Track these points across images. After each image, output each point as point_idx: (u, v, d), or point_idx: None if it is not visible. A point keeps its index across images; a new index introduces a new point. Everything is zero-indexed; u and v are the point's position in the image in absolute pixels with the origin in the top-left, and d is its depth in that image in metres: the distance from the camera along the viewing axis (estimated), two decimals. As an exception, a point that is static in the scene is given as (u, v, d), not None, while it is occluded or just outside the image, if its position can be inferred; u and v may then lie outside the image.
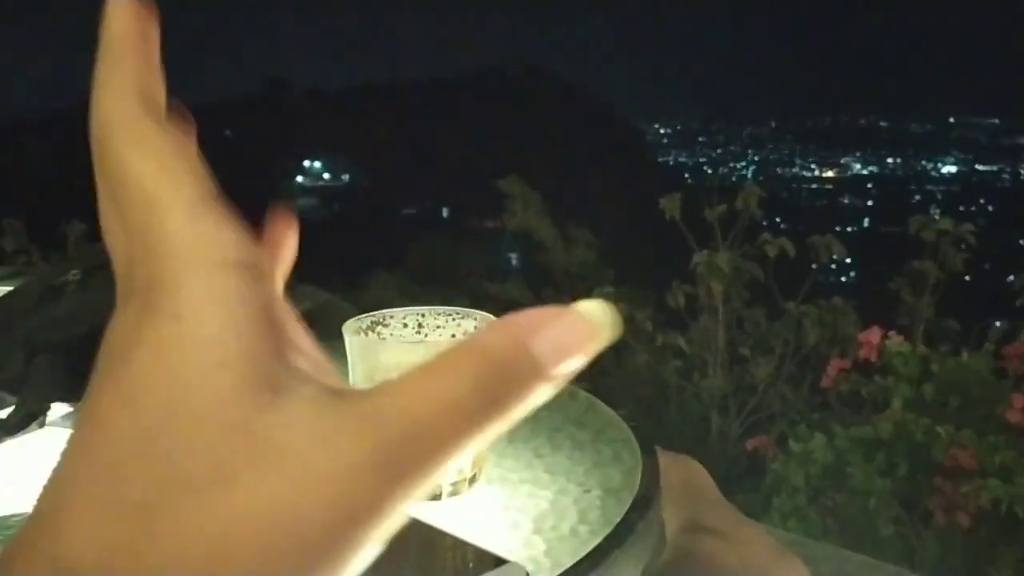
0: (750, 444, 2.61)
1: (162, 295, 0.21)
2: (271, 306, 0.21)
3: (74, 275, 0.80)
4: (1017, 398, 2.07)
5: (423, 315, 0.71)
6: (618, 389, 3.35)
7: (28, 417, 0.78)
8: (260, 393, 0.20)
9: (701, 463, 0.93)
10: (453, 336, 0.69)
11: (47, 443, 0.77)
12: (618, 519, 0.60)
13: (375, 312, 0.71)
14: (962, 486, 1.99)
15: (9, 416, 0.77)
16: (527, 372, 0.21)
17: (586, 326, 0.22)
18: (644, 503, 0.62)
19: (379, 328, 0.69)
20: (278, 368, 0.20)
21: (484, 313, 0.70)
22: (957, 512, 2.04)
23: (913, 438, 2.13)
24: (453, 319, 0.70)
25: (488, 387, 0.20)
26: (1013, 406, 2.07)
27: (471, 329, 0.69)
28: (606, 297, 3.30)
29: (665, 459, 0.82)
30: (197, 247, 0.21)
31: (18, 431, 0.77)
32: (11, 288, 0.87)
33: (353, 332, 0.67)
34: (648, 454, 0.70)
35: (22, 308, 0.79)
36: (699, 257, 2.96)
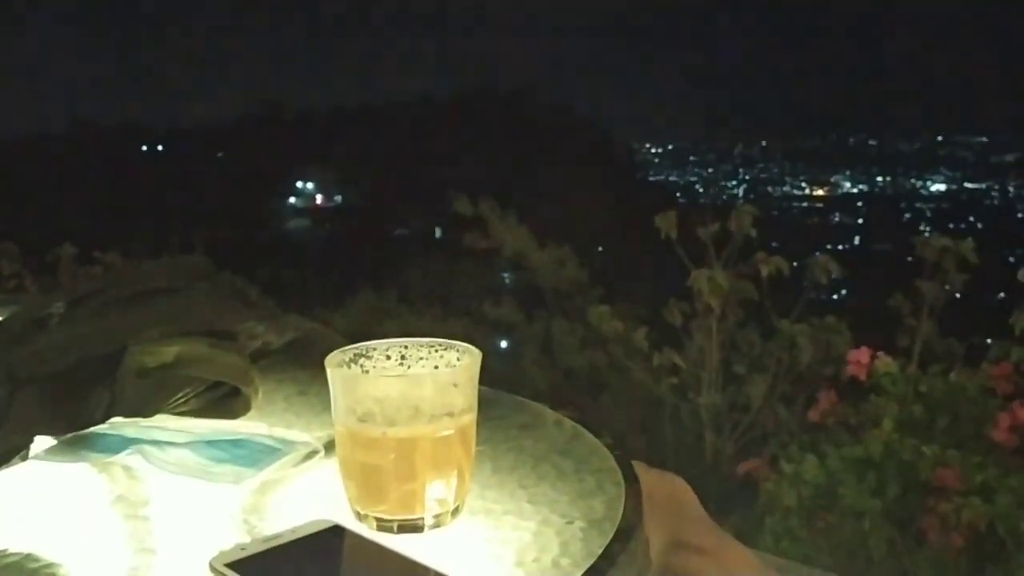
0: (743, 467, 2.61)
1: None
2: None
3: (58, 307, 0.80)
4: (1003, 417, 2.08)
5: (406, 347, 0.71)
6: (613, 406, 3.34)
7: (10, 451, 0.78)
8: None
9: (695, 481, 0.94)
10: (436, 367, 0.69)
11: (29, 477, 0.77)
12: (599, 551, 0.60)
13: (358, 344, 0.71)
14: (944, 506, 1.99)
15: (-8, 450, 0.77)
16: None
17: None
18: (626, 534, 0.62)
19: (362, 360, 0.69)
20: None
21: (466, 345, 0.70)
22: (949, 532, 2.04)
23: (901, 458, 2.14)
24: (436, 350, 0.71)
25: None
26: (999, 425, 2.08)
27: (453, 360, 0.69)
28: (600, 316, 3.30)
29: (650, 476, 0.83)
30: None
31: (1, 464, 0.77)
32: (-3, 318, 0.87)
33: (336, 365, 0.68)
34: (631, 483, 0.70)
35: (5, 341, 0.79)
36: (696, 275, 2.97)
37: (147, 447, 0.78)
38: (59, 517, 0.71)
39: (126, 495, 0.73)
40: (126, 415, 0.82)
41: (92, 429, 0.81)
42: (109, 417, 0.82)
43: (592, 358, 3.42)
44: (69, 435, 0.81)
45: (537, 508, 0.69)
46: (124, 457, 0.78)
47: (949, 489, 2.05)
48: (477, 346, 0.70)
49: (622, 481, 0.71)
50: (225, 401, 0.86)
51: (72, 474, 0.77)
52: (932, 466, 2.09)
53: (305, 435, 0.81)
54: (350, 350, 0.70)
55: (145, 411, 0.82)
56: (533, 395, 0.92)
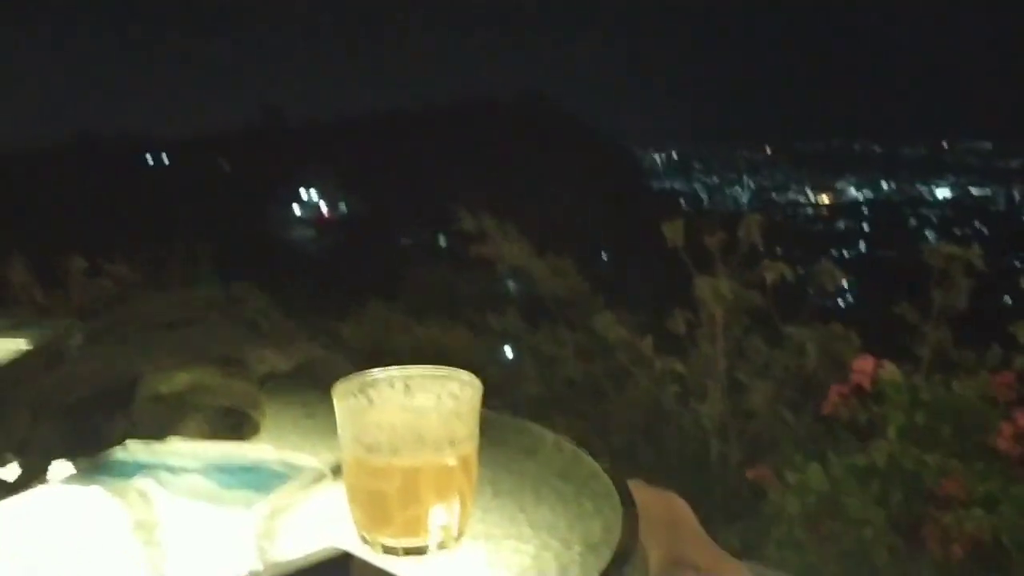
0: (749, 474, 2.62)
1: None
2: None
3: (76, 339, 0.83)
4: (1005, 426, 2.09)
5: (410, 377, 0.74)
6: (617, 414, 3.35)
7: (31, 475, 0.81)
8: None
9: (699, 490, 0.96)
10: (439, 397, 0.72)
11: (47, 501, 0.80)
12: (597, 575, 0.63)
13: (363, 373, 0.73)
14: (946, 517, 2.00)
15: (14, 476, 0.80)
16: None
17: None
18: (622, 558, 0.65)
19: (368, 391, 0.72)
20: None
21: (468, 374, 0.73)
22: (951, 542, 2.05)
23: (905, 467, 2.15)
24: (438, 381, 0.73)
25: None
26: (1001, 434, 2.08)
27: (456, 390, 0.72)
28: (604, 323, 3.31)
29: (648, 494, 0.85)
30: None
31: (20, 489, 0.80)
32: (15, 342, 0.90)
33: (342, 396, 0.70)
34: (627, 507, 0.73)
35: (26, 372, 0.82)
36: (701, 283, 2.98)
37: (160, 472, 0.81)
38: (76, 541, 0.73)
39: (141, 520, 0.76)
40: (140, 439, 0.85)
41: (108, 454, 0.84)
42: (124, 440, 0.84)
43: (596, 366, 3.44)
44: (86, 460, 0.83)
45: (536, 532, 0.71)
46: (138, 482, 0.81)
47: (952, 498, 2.06)
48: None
49: (619, 505, 0.73)
50: (234, 424, 0.89)
51: (88, 499, 0.80)
52: (935, 475, 2.10)
53: (312, 459, 0.84)
54: (355, 380, 0.73)
55: (159, 436, 0.85)
56: (536, 404, 0.94)
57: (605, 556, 0.66)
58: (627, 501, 0.73)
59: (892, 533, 2.21)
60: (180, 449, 0.85)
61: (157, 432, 0.84)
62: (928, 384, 2.35)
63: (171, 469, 0.81)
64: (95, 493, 0.80)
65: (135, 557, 0.70)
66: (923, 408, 2.31)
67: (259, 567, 0.66)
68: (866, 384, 2.42)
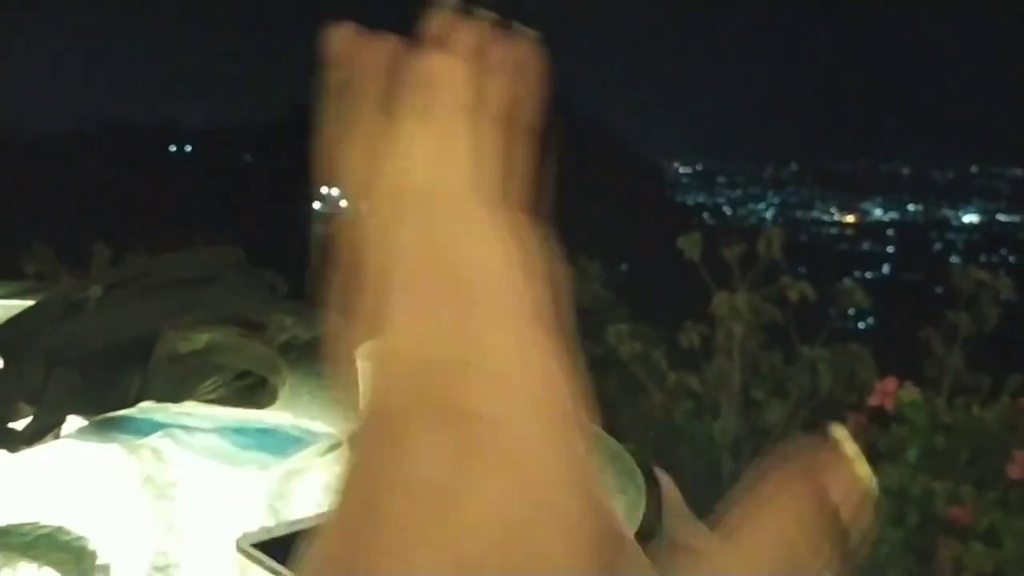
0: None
1: (492, 435, 0.20)
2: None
3: (95, 291, 0.82)
4: (1020, 455, 2.05)
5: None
6: (629, 428, 3.33)
7: (44, 429, 0.80)
8: None
9: (711, 507, 0.94)
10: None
11: (60, 455, 0.79)
12: (618, 552, 0.61)
13: (387, 338, 0.72)
14: (955, 545, 1.97)
15: (26, 427, 0.79)
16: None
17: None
18: (646, 536, 0.63)
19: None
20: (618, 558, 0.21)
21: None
22: (962, 572, 2.01)
23: (920, 489, 2.12)
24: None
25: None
26: (1015, 461, 2.05)
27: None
28: (620, 334, 3.29)
29: None
30: (530, 383, 0.21)
31: (33, 442, 0.79)
32: (34, 302, 0.89)
33: (364, 358, 0.69)
34: (652, 486, 0.71)
35: (43, 322, 0.81)
36: (720, 298, 2.95)
37: (176, 431, 0.80)
38: (89, 495, 0.72)
39: (154, 477, 0.75)
40: (156, 399, 0.84)
41: (122, 412, 0.83)
42: (140, 400, 0.83)
43: (609, 378, 3.42)
44: (100, 416, 0.82)
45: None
46: (153, 440, 0.80)
47: (958, 526, 2.03)
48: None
49: (643, 484, 0.71)
50: (252, 391, 0.88)
51: (102, 454, 0.79)
52: (947, 500, 2.07)
53: (329, 428, 0.82)
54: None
55: (175, 396, 0.84)
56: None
57: (628, 533, 0.64)
58: (651, 480, 0.71)
59: (907, 555, 2.18)
60: (195, 411, 0.84)
61: (173, 392, 0.83)
62: (949, 408, 2.32)
63: (187, 428, 0.80)
64: (109, 449, 0.79)
65: (147, 512, 0.69)
66: (943, 431, 2.28)
67: (271, 524, 0.65)
68: (888, 405, 2.39)
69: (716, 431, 3.01)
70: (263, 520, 0.67)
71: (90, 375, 0.81)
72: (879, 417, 2.44)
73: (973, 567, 1.95)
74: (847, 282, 3.08)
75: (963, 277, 2.62)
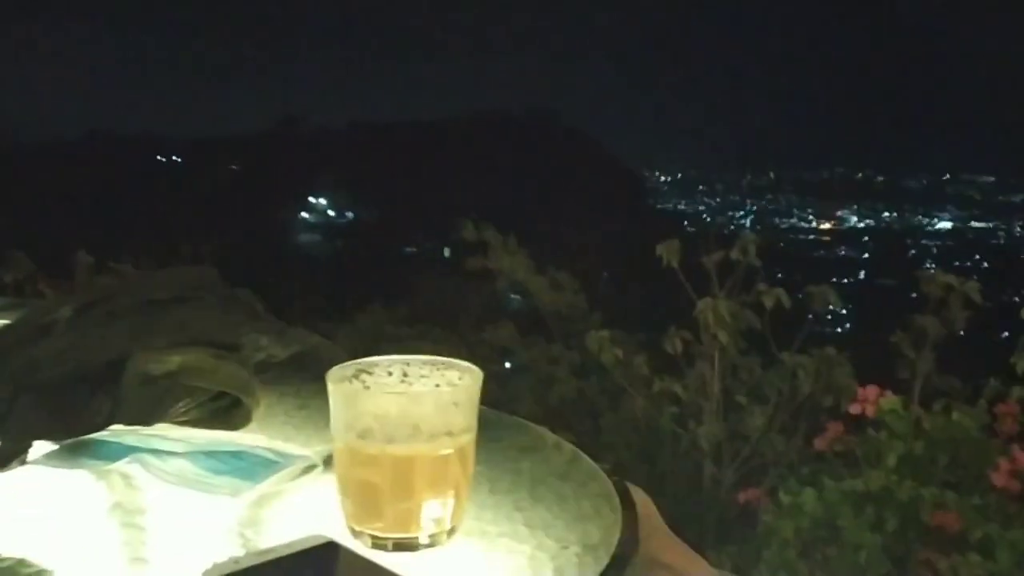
0: (742, 496, 2.59)
1: None
2: None
3: (64, 312, 0.81)
4: (1003, 462, 2.06)
5: (408, 364, 0.71)
6: (612, 433, 3.33)
7: (10, 455, 0.78)
8: None
9: (692, 511, 0.93)
10: (437, 385, 0.69)
11: (27, 481, 0.77)
12: (594, 577, 0.60)
13: (360, 360, 0.71)
14: (945, 551, 1.97)
15: (-9, 453, 0.77)
16: None
17: None
18: (620, 562, 0.62)
19: (363, 376, 0.70)
20: None
21: (468, 364, 0.71)
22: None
23: (901, 495, 2.12)
24: (437, 368, 0.71)
25: None
26: (1000, 469, 2.06)
27: (455, 379, 0.70)
28: (601, 341, 3.29)
29: None
30: None
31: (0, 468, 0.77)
32: (4, 322, 0.87)
33: (336, 380, 0.68)
34: (628, 510, 0.70)
35: (10, 345, 0.80)
36: (704, 304, 2.96)
37: (146, 456, 0.78)
38: (55, 523, 0.71)
39: (123, 503, 0.73)
40: (127, 423, 0.82)
41: (92, 436, 0.81)
42: (110, 424, 0.82)
43: (592, 385, 3.41)
44: (69, 441, 0.81)
45: (533, 532, 0.68)
46: (123, 465, 0.78)
47: (945, 532, 2.03)
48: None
49: (619, 507, 0.71)
50: (226, 412, 0.86)
51: (70, 480, 0.77)
52: (930, 506, 2.07)
53: (304, 449, 0.81)
54: (351, 366, 0.70)
55: (147, 419, 0.82)
56: (530, 421, 0.92)
57: (603, 559, 0.63)
58: (627, 503, 0.70)
59: (887, 560, 2.18)
60: (167, 434, 0.82)
61: (144, 414, 0.81)
62: (929, 414, 2.33)
63: (157, 453, 0.79)
64: (77, 475, 0.78)
65: (114, 541, 0.68)
66: (923, 438, 2.29)
67: (241, 554, 0.63)
68: (869, 412, 2.41)
69: (697, 436, 3.01)
70: (232, 549, 0.66)
71: (58, 398, 0.79)
72: (855, 424, 2.45)
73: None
74: (821, 286, 3.10)
75: (931, 281, 2.64)
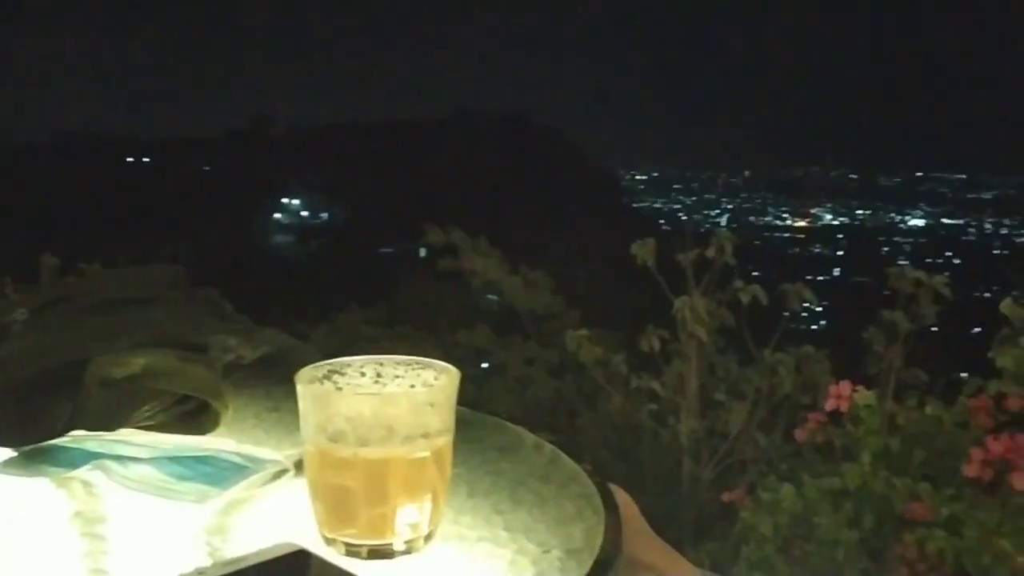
0: (727, 497, 2.59)
1: None
2: None
3: (20, 314, 0.78)
4: (975, 452, 2.07)
5: (381, 364, 0.69)
6: (591, 432, 3.32)
7: (-35, 462, 0.75)
8: None
9: (672, 508, 0.92)
10: (412, 386, 0.67)
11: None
12: (577, 583, 0.58)
13: (332, 360, 0.68)
14: (909, 536, 1.98)
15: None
16: None
17: None
18: (604, 566, 0.60)
19: (335, 377, 0.67)
20: None
21: (444, 364, 0.68)
22: (915, 564, 2.03)
23: (876, 491, 2.13)
24: (412, 369, 0.68)
25: None
26: (972, 460, 2.06)
27: (431, 380, 0.67)
28: (579, 340, 3.28)
29: None
30: None
31: (-45, 476, 0.74)
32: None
33: (307, 381, 0.65)
34: (611, 511, 0.68)
35: (-36, 348, 0.76)
36: (681, 302, 2.96)
37: (108, 462, 0.75)
38: (13, 533, 0.68)
39: (84, 512, 0.70)
40: (89, 428, 0.79)
41: (52, 442, 0.78)
42: (71, 429, 0.79)
43: (569, 383, 3.41)
44: (27, 447, 0.77)
45: (513, 535, 0.66)
46: (84, 472, 0.75)
47: (919, 522, 2.04)
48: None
49: (601, 508, 0.68)
50: (193, 416, 0.83)
51: (29, 488, 0.74)
52: (905, 500, 2.08)
53: (274, 453, 0.78)
54: (323, 366, 0.68)
55: (109, 424, 0.79)
56: (509, 420, 0.89)
57: (586, 562, 0.61)
58: (610, 504, 0.68)
59: (864, 555, 2.19)
60: (131, 439, 0.79)
61: (107, 419, 0.78)
62: (903, 409, 2.34)
63: (120, 459, 0.76)
64: (36, 483, 0.75)
65: (74, 551, 0.65)
66: (898, 433, 2.30)
67: (207, 564, 0.61)
68: (843, 408, 2.41)
69: (676, 433, 3.01)
70: (199, 559, 0.63)
71: (16, 404, 0.76)
72: (833, 418, 2.46)
73: (932, 557, 1.96)
74: (797, 283, 3.11)
75: (900, 277, 2.66)
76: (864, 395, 2.36)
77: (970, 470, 2.09)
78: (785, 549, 2.29)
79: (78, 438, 0.78)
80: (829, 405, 2.41)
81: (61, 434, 0.78)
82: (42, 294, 0.84)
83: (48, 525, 0.68)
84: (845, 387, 2.41)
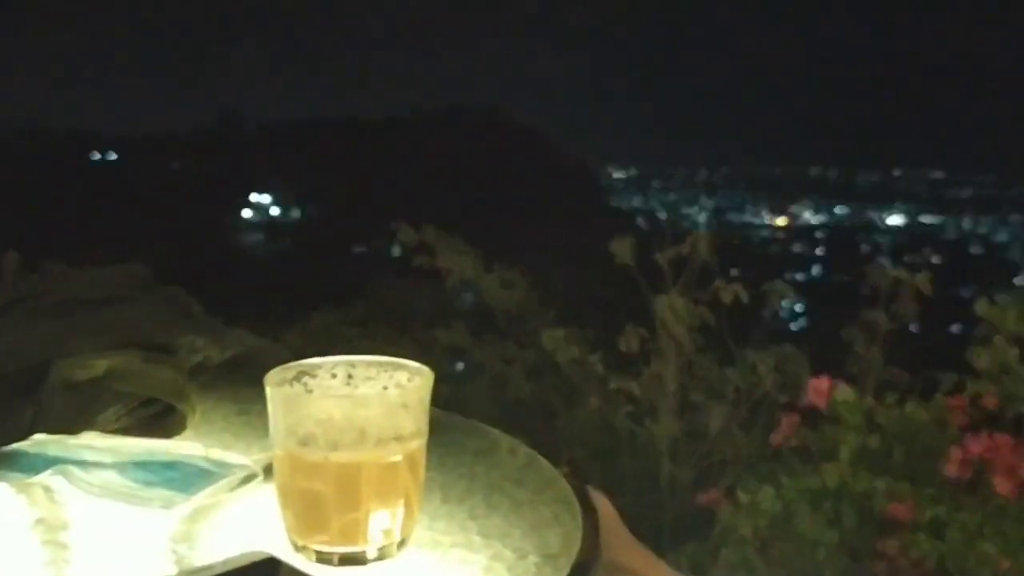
0: (705, 498, 2.59)
1: None
2: None
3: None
4: (955, 450, 2.08)
5: (353, 365, 0.67)
6: (568, 433, 3.31)
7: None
8: None
9: (650, 509, 0.91)
10: (384, 388, 0.65)
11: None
12: (554, 590, 0.57)
13: (302, 362, 0.66)
14: (892, 542, 1.98)
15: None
16: None
17: None
18: (581, 571, 0.59)
19: (305, 379, 0.65)
20: None
21: (418, 364, 0.67)
22: (899, 566, 2.03)
23: (856, 490, 2.13)
24: (385, 370, 0.66)
25: None
26: (951, 459, 2.07)
27: (404, 381, 0.65)
28: (555, 340, 3.27)
29: None
30: None
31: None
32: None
33: (276, 383, 0.63)
34: (588, 515, 0.67)
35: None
36: (661, 301, 2.95)
37: (71, 467, 0.72)
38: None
39: (46, 519, 0.68)
40: (51, 431, 0.77)
41: (13, 446, 0.75)
42: (32, 433, 0.76)
43: (545, 384, 3.39)
44: (-13, 452, 0.75)
45: (488, 541, 0.65)
46: (46, 477, 0.72)
47: (899, 523, 2.04)
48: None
49: (579, 513, 0.67)
50: (159, 419, 0.81)
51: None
52: (885, 499, 2.08)
53: (243, 458, 0.76)
54: (293, 368, 0.66)
55: (72, 427, 0.77)
56: (484, 421, 0.88)
57: (563, 568, 0.59)
58: (588, 509, 0.67)
59: (844, 555, 2.19)
60: (95, 443, 0.77)
61: (69, 423, 0.76)
62: (883, 407, 2.35)
63: (83, 464, 0.73)
64: (-5, 489, 0.72)
65: (35, 560, 0.62)
66: (877, 431, 2.30)
67: (173, 572, 0.58)
68: (822, 404, 2.41)
69: (654, 435, 3.01)
70: (165, 567, 0.61)
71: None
72: (813, 417, 2.46)
73: (915, 560, 1.97)
74: (777, 282, 3.11)
75: (880, 276, 2.67)
76: (844, 391, 2.36)
77: (949, 469, 2.09)
78: (765, 550, 2.29)
79: (40, 442, 0.76)
80: (807, 401, 2.41)
81: (22, 438, 0.75)
82: (3, 293, 0.81)
83: (8, 532, 0.66)
84: (823, 382, 2.40)
